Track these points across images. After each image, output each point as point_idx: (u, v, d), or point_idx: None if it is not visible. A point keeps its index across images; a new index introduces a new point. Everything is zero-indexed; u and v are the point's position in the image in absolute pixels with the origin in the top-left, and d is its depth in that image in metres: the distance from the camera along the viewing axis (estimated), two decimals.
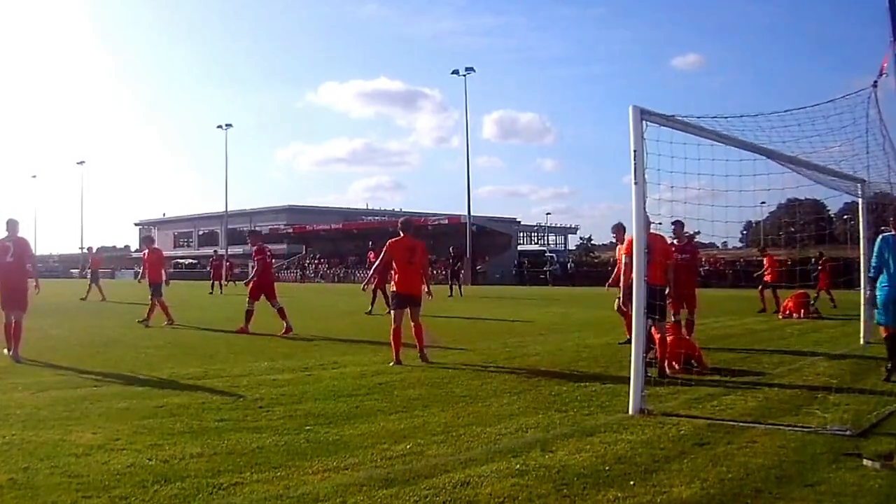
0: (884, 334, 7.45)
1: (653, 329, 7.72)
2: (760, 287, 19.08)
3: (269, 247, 15.86)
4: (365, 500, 3.64)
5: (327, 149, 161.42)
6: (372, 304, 16.90)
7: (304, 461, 4.34)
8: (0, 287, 9.16)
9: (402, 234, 9.06)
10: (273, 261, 15.43)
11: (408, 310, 8.83)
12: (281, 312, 12.41)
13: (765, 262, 19.62)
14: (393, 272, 9.02)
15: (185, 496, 3.68)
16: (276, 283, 13.39)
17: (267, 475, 4.04)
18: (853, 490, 3.79)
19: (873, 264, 7.57)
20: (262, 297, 12.67)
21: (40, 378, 7.43)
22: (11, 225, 9.40)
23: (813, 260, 22.59)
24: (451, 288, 27.46)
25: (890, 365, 7.39)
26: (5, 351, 9.05)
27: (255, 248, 13.27)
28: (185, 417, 5.53)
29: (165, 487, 3.79)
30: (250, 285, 12.96)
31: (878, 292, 7.46)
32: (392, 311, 9.00)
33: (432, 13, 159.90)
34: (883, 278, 7.37)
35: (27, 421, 5.35)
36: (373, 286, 15.96)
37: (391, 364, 8.41)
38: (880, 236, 7.72)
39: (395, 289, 8.96)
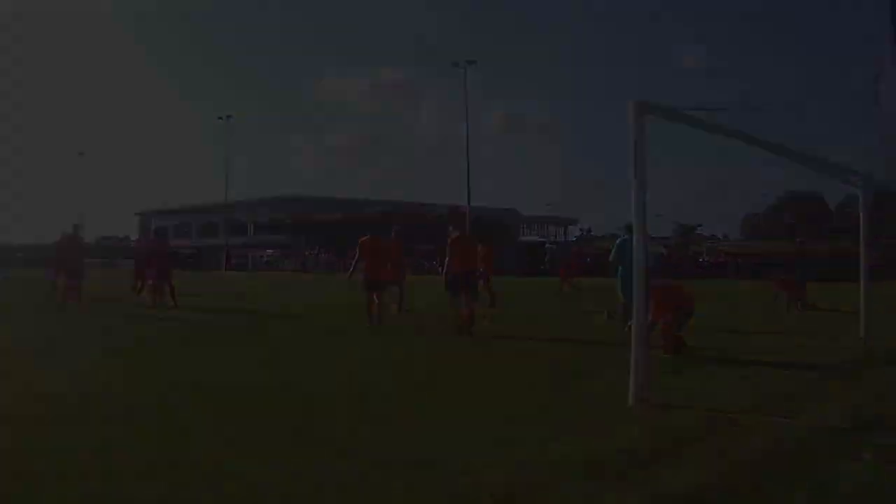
0: (621, 301, 10.51)
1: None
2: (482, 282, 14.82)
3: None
4: (363, 494, 3.66)
5: (330, 139, 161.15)
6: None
7: (300, 454, 4.35)
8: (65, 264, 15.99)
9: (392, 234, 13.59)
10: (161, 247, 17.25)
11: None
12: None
13: (480, 251, 15.02)
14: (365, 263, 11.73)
15: (181, 495, 3.69)
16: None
17: (264, 469, 4.05)
18: (851, 484, 3.80)
19: (612, 258, 10.90)
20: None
21: (37, 374, 7.41)
22: (75, 228, 16.91)
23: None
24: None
25: (614, 313, 11.30)
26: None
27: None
28: (177, 415, 5.54)
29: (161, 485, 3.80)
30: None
31: (619, 277, 10.64)
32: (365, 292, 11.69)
33: (438, 5, 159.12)
34: (621, 270, 10.51)
35: (23, 420, 5.31)
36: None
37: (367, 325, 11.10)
38: (617, 241, 11.04)
39: (363, 275, 11.65)
